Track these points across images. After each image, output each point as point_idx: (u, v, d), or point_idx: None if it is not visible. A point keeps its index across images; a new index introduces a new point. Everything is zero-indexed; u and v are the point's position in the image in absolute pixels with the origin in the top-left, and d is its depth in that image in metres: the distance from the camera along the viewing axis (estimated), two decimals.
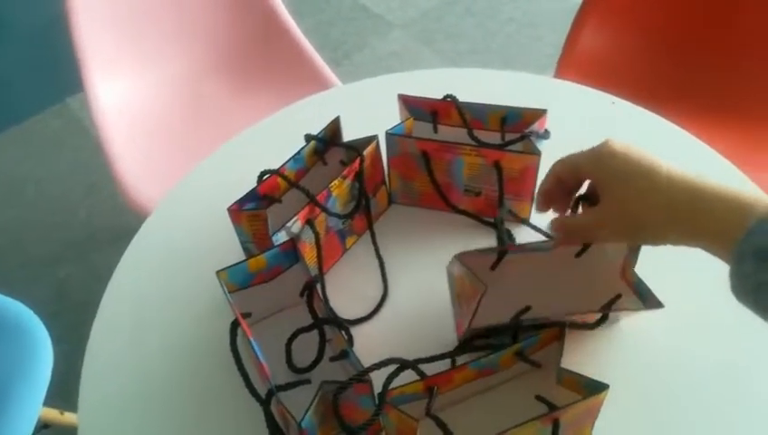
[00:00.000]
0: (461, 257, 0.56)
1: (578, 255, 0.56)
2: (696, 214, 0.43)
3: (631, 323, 0.61)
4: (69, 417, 1.07)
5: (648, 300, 0.53)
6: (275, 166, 0.64)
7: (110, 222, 1.61)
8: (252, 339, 0.52)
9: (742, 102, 1.13)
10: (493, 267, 0.57)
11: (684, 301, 0.62)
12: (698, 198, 0.43)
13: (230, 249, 0.66)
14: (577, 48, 1.19)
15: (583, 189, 0.53)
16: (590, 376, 0.49)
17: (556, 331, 0.52)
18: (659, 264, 0.56)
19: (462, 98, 0.69)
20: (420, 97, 0.69)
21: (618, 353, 0.59)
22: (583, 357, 0.57)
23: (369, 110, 0.77)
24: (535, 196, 0.52)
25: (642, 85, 1.17)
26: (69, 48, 1.17)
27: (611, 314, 0.55)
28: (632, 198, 0.46)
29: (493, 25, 2.03)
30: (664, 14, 1.18)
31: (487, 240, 0.69)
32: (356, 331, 0.62)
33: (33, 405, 0.88)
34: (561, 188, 0.52)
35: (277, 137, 0.78)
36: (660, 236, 0.46)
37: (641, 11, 1.19)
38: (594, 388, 0.48)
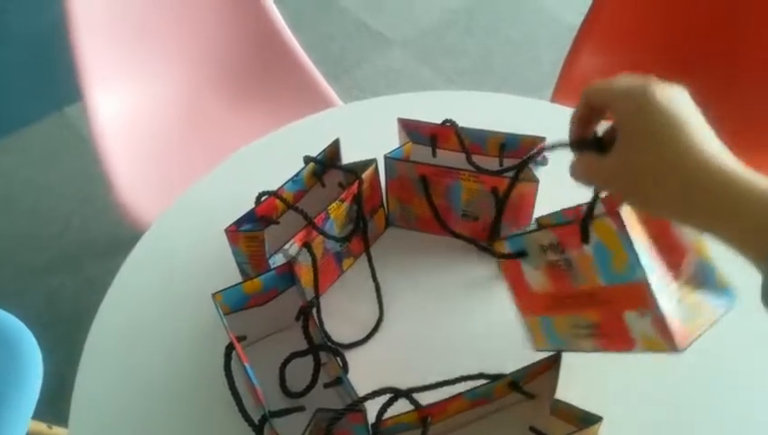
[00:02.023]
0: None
1: None
2: (721, 208, 0.37)
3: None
4: (57, 432, 1.06)
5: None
6: (274, 186, 0.64)
7: (104, 233, 1.61)
8: (246, 365, 0.52)
9: (743, 126, 1.14)
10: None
11: None
12: (727, 190, 0.37)
13: (227, 268, 0.66)
14: (574, 70, 1.20)
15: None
16: (583, 407, 0.49)
17: (550, 361, 0.52)
18: None
19: (462, 120, 0.70)
20: (419, 121, 0.70)
21: (612, 384, 0.59)
22: (578, 387, 0.57)
23: (368, 131, 0.77)
24: (570, 124, 0.48)
25: None
26: (67, 57, 1.17)
27: None
28: (650, 164, 0.40)
29: (491, 45, 2.05)
30: (662, 37, 1.19)
31: (485, 265, 0.69)
32: (351, 355, 0.62)
33: (22, 418, 0.87)
34: (592, 116, 0.46)
35: (276, 156, 0.78)
36: (673, 216, 0.41)
37: (638, 35, 1.20)
38: (588, 420, 0.48)
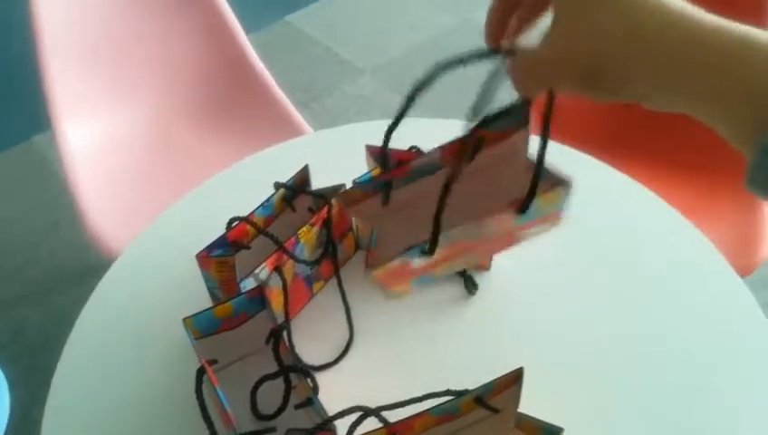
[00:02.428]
0: (348, 205, 0.52)
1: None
2: (692, 62, 0.30)
3: (588, 362, 0.63)
4: None
5: (552, 177, 0.48)
6: (245, 212, 0.66)
7: (71, 263, 1.59)
8: (218, 388, 0.52)
9: (691, 153, 1.19)
10: (385, 203, 0.52)
11: (643, 337, 0.65)
12: (700, 40, 0.29)
13: (198, 294, 0.67)
14: (539, 98, 1.25)
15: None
16: (546, 419, 0.51)
17: (514, 376, 0.54)
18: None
19: (428, 147, 0.72)
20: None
21: (574, 396, 0.61)
22: (541, 400, 0.59)
23: (338, 157, 0.79)
24: (486, 26, 0.41)
25: (592, 135, 1.23)
26: (34, 85, 1.18)
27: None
28: (612, 22, 0.32)
29: (459, 73, 2.11)
30: None
31: (452, 287, 0.71)
32: (321, 376, 0.63)
33: None
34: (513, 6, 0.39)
35: (247, 183, 0.80)
36: (631, 89, 0.33)
37: None
38: (549, 431, 0.50)
